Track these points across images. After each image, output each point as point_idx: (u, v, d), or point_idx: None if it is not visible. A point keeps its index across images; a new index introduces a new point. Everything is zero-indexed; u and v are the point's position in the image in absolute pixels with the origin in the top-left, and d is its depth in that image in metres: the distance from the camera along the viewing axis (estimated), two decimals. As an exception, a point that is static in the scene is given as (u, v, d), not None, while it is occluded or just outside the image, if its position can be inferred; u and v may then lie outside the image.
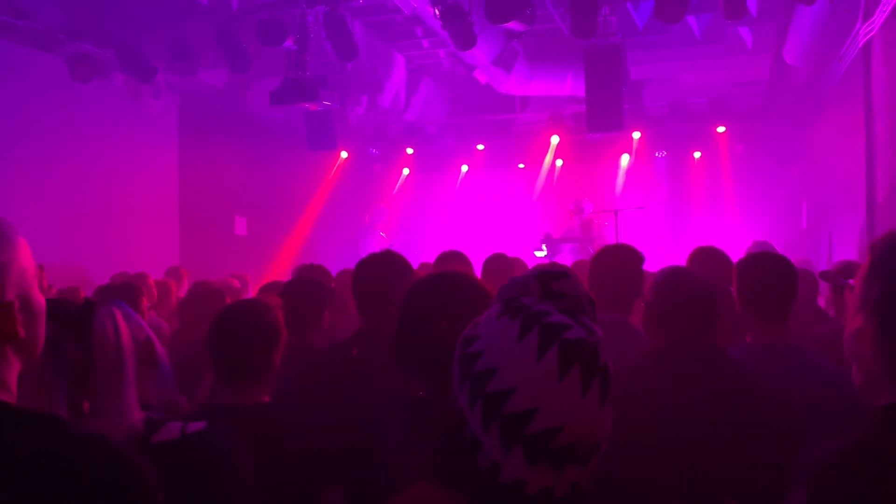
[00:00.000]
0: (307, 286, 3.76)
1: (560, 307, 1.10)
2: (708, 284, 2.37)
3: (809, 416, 2.32)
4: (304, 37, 7.06)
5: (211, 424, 1.63)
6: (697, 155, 11.38)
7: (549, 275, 1.14)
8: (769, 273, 2.59)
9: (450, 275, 2.00)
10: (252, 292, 7.52)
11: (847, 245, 7.50)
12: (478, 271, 4.17)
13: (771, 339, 2.58)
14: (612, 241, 8.93)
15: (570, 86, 9.96)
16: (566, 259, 8.57)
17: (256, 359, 2.16)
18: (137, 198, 9.27)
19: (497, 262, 4.18)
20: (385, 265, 2.90)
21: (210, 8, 7.27)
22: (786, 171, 10.52)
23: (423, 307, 1.88)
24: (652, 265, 3.30)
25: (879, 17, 5.83)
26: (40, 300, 1.21)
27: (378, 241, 9.71)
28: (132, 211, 9.19)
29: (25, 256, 1.20)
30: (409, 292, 1.94)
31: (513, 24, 6.37)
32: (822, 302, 4.57)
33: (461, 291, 1.89)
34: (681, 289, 2.34)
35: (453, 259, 3.82)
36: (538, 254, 9.02)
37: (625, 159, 11.77)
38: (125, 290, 3.98)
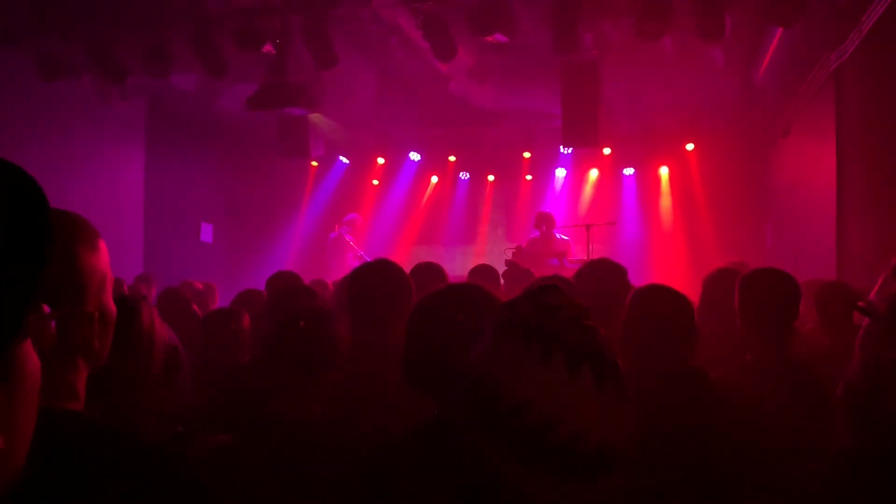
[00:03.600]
0: (291, 294, 3.70)
1: (558, 318, 1.07)
2: (685, 302, 2.34)
3: (807, 435, 2.33)
4: (284, 42, 6.97)
5: (236, 437, 1.56)
6: (664, 172, 11.53)
7: (538, 291, 1.12)
8: (774, 289, 2.60)
9: (461, 287, 1.95)
10: (218, 300, 7.37)
11: (813, 266, 7.64)
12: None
13: (772, 357, 2.59)
14: (579, 255, 8.96)
15: (543, 101, 10.02)
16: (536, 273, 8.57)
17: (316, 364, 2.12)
18: (101, 201, 9.03)
19: (483, 273, 4.14)
20: (384, 275, 2.84)
21: (185, 9, 7.14)
22: (752, 190, 10.71)
23: (434, 321, 1.82)
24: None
25: (852, 44, 5.98)
26: (113, 309, 1.18)
27: (352, 253, 9.59)
28: (95, 214, 8.90)
29: (105, 263, 1.17)
30: (418, 306, 1.88)
31: (495, 37, 6.38)
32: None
33: (473, 303, 1.83)
34: (654, 308, 2.30)
35: (428, 271, 3.76)
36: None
37: (593, 174, 11.89)
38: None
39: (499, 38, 6.38)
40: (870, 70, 5.80)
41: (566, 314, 1.08)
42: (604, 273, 3.08)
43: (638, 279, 3.42)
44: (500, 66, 9.82)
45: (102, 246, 1.16)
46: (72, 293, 1.10)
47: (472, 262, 10.78)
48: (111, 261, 1.23)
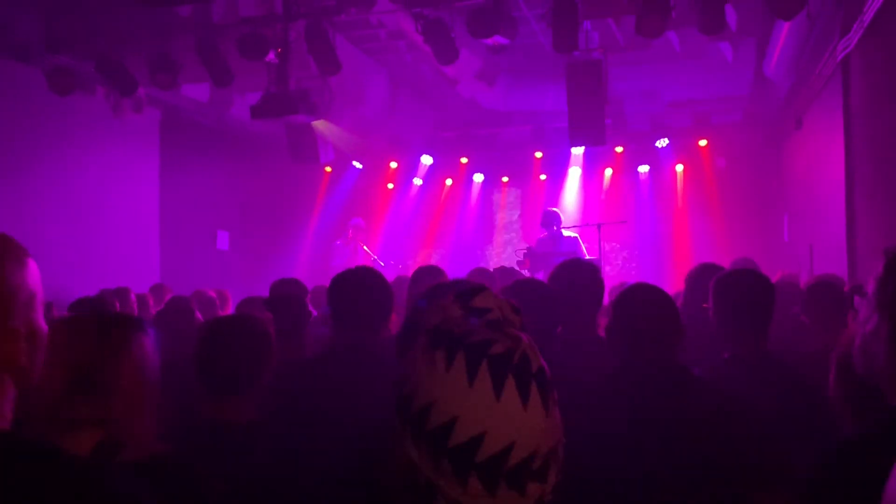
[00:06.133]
0: (287, 301, 3.73)
1: (484, 322, 1.07)
2: (669, 300, 2.35)
3: (782, 431, 2.31)
4: (285, 50, 7.04)
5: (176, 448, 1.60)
6: (680, 169, 11.44)
7: (467, 293, 1.12)
8: (745, 289, 2.59)
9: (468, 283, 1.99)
10: (232, 308, 7.45)
11: (827, 258, 7.54)
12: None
13: (748, 355, 2.57)
14: (590, 253, 8.90)
15: (552, 101, 10.00)
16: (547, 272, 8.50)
17: (244, 373, 2.13)
18: (117, 212, 9.20)
19: (478, 276, 4.16)
20: (364, 280, 2.88)
21: (191, 21, 7.25)
22: (767, 184, 10.59)
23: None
24: (635, 279, 3.25)
25: (857, 33, 5.90)
26: (43, 328, 1.18)
27: (363, 258, 9.62)
28: (112, 225, 9.11)
29: (34, 281, 1.16)
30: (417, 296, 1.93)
31: (495, 39, 6.39)
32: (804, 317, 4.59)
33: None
34: (639, 306, 2.31)
35: (430, 273, 3.79)
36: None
37: (608, 173, 11.82)
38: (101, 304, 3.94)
39: (499, 40, 6.38)
40: (874, 58, 5.72)
41: (490, 319, 1.09)
42: (574, 272, 3.08)
43: (654, 277, 3.39)
44: (508, 66, 9.82)
45: (32, 264, 1.17)
46: None
47: (487, 264, 10.82)
48: (131, 270, 1.27)
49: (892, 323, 1.34)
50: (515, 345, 1.02)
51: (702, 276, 3.11)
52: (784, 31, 7.45)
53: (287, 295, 4.13)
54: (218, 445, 1.87)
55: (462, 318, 1.09)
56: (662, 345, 2.28)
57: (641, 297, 2.31)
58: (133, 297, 7.02)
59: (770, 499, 2.13)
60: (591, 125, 7.60)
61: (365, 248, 9.86)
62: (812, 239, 8.41)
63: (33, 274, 1.17)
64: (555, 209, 8.64)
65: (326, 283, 6.52)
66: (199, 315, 4.86)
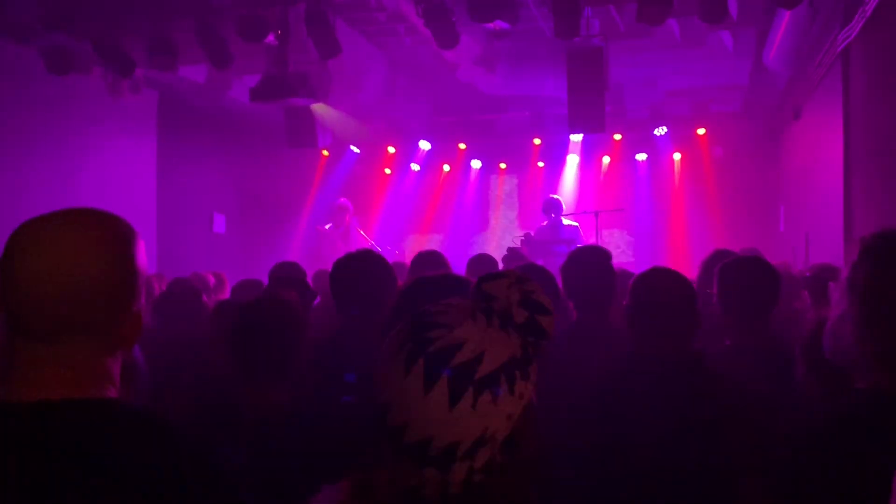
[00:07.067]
0: (288, 284, 3.73)
1: (481, 308, 1.09)
2: (687, 287, 2.35)
3: (787, 419, 2.32)
4: (285, 33, 7.00)
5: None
6: (678, 157, 11.44)
7: (485, 277, 1.14)
8: (750, 277, 2.60)
9: (454, 277, 2.00)
10: (228, 291, 7.45)
11: (823, 248, 7.58)
12: (461, 271, 4.15)
13: (751, 342, 2.59)
14: (589, 241, 8.91)
15: (551, 87, 9.98)
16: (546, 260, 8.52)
17: (282, 356, 2.11)
18: (113, 193, 9.15)
19: (481, 263, 4.16)
20: (366, 264, 2.88)
21: (190, 2, 7.18)
22: (764, 174, 10.62)
23: (414, 303, 1.84)
24: (632, 267, 3.29)
25: (858, 23, 5.89)
26: (141, 303, 1.25)
27: (359, 242, 9.59)
28: (109, 206, 9.00)
29: (146, 261, 1.24)
30: (406, 286, 1.94)
31: (496, 24, 6.37)
32: (797, 304, 4.62)
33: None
34: (657, 292, 2.31)
35: (430, 259, 3.78)
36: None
37: (606, 160, 11.82)
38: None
39: (500, 24, 6.36)
40: (876, 49, 5.71)
41: (495, 308, 1.09)
42: (587, 259, 3.09)
43: (651, 265, 3.39)
44: (508, 51, 9.78)
45: (143, 244, 1.25)
46: (131, 293, 1.19)
47: (484, 250, 10.82)
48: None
49: (861, 307, 1.38)
50: (443, 335, 1.05)
51: (715, 262, 3.12)
52: (785, 21, 7.43)
53: (287, 278, 4.14)
54: (255, 429, 1.86)
55: (473, 301, 1.11)
56: (680, 332, 2.28)
57: (661, 283, 2.31)
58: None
59: (751, 482, 2.15)
60: (590, 112, 7.60)
61: (361, 232, 9.85)
62: (808, 229, 8.44)
63: (144, 254, 1.25)
64: (557, 196, 8.65)
65: (319, 266, 6.53)
66: (205, 297, 4.85)
